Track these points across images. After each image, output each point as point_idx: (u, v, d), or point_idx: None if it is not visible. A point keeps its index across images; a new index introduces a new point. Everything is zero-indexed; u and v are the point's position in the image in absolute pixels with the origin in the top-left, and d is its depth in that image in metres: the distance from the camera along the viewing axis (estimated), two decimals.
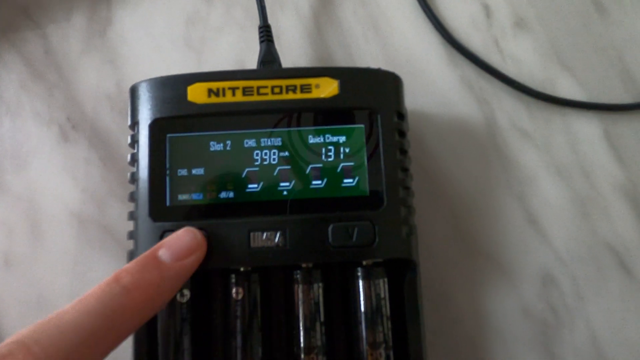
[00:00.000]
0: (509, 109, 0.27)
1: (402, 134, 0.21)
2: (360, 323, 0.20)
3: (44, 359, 0.12)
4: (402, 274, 0.20)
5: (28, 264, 0.24)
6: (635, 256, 0.24)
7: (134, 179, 0.20)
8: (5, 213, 0.25)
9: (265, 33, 0.24)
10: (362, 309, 0.20)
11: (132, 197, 0.20)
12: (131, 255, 0.20)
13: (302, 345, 0.19)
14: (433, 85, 0.27)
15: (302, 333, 0.19)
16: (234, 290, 0.20)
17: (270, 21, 0.25)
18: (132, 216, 0.20)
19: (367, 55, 0.27)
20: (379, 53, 0.27)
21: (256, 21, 0.27)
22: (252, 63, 0.27)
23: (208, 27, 0.27)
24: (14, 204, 0.25)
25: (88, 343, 0.13)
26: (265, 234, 0.19)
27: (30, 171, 0.26)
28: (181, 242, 0.17)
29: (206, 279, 0.21)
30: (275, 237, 0.19)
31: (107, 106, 0.26)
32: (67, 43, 0.27)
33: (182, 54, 0.27)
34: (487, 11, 0.28)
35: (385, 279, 0.20)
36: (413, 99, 0.26)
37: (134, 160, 0.20)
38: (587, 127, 0.26)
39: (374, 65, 0.27)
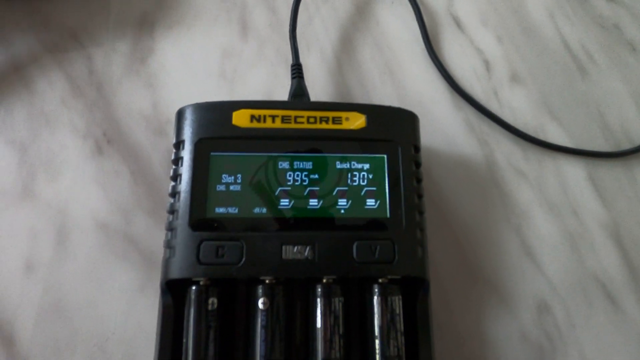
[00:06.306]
0: (506, 150, 0.30)
1: (418, 164, 0.23)
2: (376, 337, 0.21)
3: None
4: (414, 292, 0.22)
5: (50, 271, 0.25)
6: (619, 288, 0.27)
7: (174, 192, 0.22)
8: (33, 220, 0.26)
9: (297, 70, 0.27)
10: (378, 323, 0.21)
11: (172, 209, 0.22)
12: (166, 262, 0.21)
13: (321, 356, 0.21)
14: (440, 125, 0.30)
15: (321, 344, 0.21)
16: (260, 300, 0.21)
17: None
18: (170, 226, 0.21)
19: (382, 95, 0.31)
20: (393, 94, 0.31)
21: (285, 59, 0.30)
22: (279, 96, 0.30)
23: (241, 61, 0.30)
24: (43, 212, 0.26)
25: None
26: (296, 248, 0.20)
27: (63, 181, 0.27)
28: None
29: (232, 289, 0.22)
30: (305, 250, 0.20)
31: (143, 125, 0.28)
32: (110, 66, 0.30)
33: (215, 83, 0.30)
34: (487, 65, 0.32)
35: (400, 297, 0.22)
36: (422, 137, 0.29)
37: (176, 175, 0.22)
38: (573, 170, 0.30)
39: (388, 104, 0.30)
